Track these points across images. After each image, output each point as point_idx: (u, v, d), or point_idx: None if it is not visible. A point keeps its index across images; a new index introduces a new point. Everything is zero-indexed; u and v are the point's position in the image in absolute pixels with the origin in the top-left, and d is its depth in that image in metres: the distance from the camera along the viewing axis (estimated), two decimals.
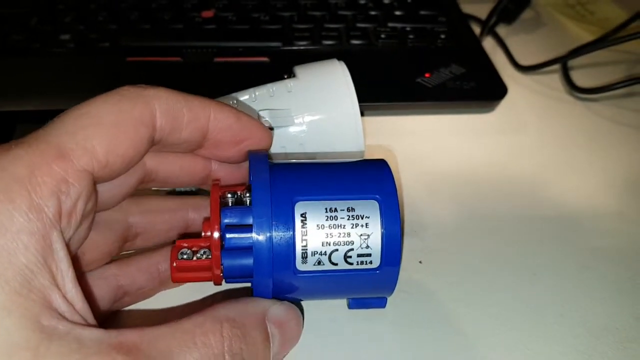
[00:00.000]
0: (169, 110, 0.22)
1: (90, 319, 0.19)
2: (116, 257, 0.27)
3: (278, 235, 0.23)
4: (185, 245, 0.24)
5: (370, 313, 0.30)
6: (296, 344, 0.25)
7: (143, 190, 0.27)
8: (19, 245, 0.17)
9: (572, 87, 0.48)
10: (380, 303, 0.28)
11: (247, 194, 0.25)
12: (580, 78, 0.49)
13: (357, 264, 0.24)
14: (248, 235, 0.23)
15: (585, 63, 0.50)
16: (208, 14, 0.50)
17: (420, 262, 0.33)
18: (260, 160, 0.25)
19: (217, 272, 0.24)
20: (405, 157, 0.40)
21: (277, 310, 0.23)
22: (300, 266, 0.24)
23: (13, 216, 0.17)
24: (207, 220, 0.25)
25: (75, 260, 0.22)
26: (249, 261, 0.23)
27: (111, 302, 0.26)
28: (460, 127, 0.44)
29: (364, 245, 0.24)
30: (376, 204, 0.24)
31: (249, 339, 0.21)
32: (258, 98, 0.31)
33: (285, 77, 0.33)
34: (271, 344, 0.22)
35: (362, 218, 0.24)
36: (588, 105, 0.47)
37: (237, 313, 0.22)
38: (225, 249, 0.23)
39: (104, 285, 0.26)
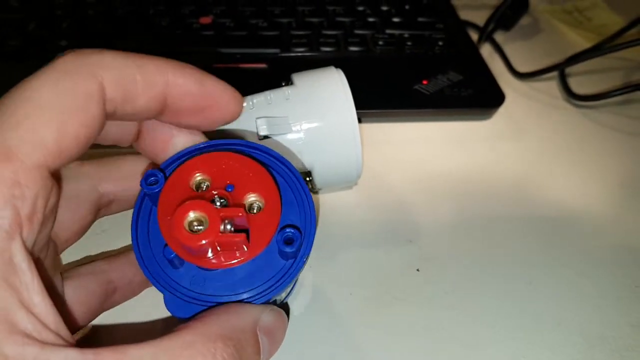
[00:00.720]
0: (118, 79, 0.20)
1: (64, 331, 0.18)
2: (106, 254, 0.27)
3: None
4: (232, 214, 0.21)
5: (367, 319, 0.30)
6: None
7: (113, 154, 0.26)
8: None
9: (570, 94, 0.48)
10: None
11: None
12: (578, 85, 0.49)
13: None
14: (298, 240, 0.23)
15: (582, 70, 0.50)
16: (206, 20, 0.50)
17: (417, 269, 0.33)
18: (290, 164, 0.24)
19: (258, 252, 0.22)
20: (402, 164, 0.40)
21: (267, 318, 0.22)
22: None
23: None
24: (229, 193, 0.22)
25: (40, 263, 0.21)
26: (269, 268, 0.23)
27: (102, 298, 0.25)
28: (458, 134, 0.44)
29: None
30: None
31: (242, 355, 0.20)
32: (256, 105, 0.31)
33: (283, 84, 0.33)
34: (261, 355, 0.22)
35: None
36: (585, 113, 0.47)
37: (230, 328, 0.20)
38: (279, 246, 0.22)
39: (93, 280, 0.25)
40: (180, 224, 0.20)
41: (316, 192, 0.37)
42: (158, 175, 0.22)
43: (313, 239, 0.23)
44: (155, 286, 0.22)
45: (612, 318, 0.31)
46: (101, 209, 0.26)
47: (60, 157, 0.18)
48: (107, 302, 0.26)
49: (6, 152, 0.17)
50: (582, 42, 0.56)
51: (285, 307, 0.30)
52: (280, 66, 0.46)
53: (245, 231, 0.22)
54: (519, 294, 0.32)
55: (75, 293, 0.24)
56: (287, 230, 0.22)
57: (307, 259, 0.23)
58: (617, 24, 0.58)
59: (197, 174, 0.22)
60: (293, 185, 0.24)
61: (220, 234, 0.20)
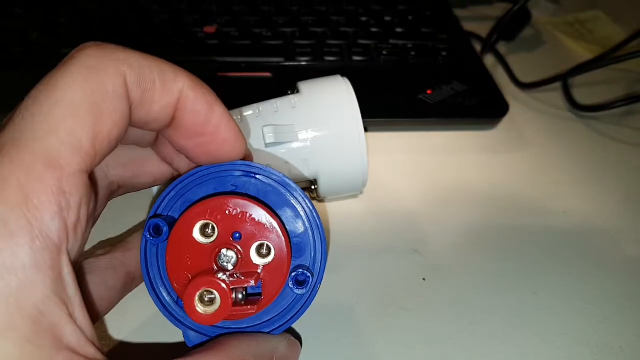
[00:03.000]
0: (140, 80, 0.19)
1: (97, 342, 0.18)
2: (116, 243, 0.26)
3: None
4: (242, 284, 0.22)
5: (374, 329, 0.30)
6: None
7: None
8: (26, 286, 0.15)
9: (573, 105, 0.48)
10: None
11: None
12: (580, 96, 0.49)
13: None
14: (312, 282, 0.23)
15: (585, 81, 0.51)
16: (210, 29, 0.51)
17: (423, 279, 0.33)
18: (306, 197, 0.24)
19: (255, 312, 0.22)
20: (407, 173, 0.40)
21: (283, 348, 0.23)
22: None
23: (15, 252, 0.15)
24: (233, 244, 0.22)
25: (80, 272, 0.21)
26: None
27: (121, 292, 0.25)
28: (463, 144, 0.44)
29: None
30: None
31: None
32: (262, 113, 0.31)
33: (289, 93, 0.33)
34: None
35: None
36: (589, 123, 0.47)
37: (252, 354, 0.21)
38: (296, 285, 0.23)
39: (113, 275, 0.25)
40: (192, 304, 0.20)
41: (321, 201, 0.37)
42: (162, 225, 0.22)
43: (324, 268, 0.23)
44: (176, 325, 0.23)
45: (619, 328, 0.31)
46: (111, 194, 0.25)
47: (95, 159, 0.18)
48: (125, 292, 0.26)
49: (49, 159, 0.16)
50: (584, 54, 0.56)
51: (298, 337, 0.30)
52: (285, 75, 0.46)
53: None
54: (525, 304, 0.32)
55: (97, 290, 0.24)
56: (299, 272, 0.23)
57: (319, 287, 0.23)
58: (619, 36, 0.58)
59: (202, 221, 0.22)
60: (304, 213, 0.24)
61: (233, 308, 0.21)
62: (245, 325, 0.23)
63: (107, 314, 0.25)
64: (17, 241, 0.15)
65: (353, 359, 0.28)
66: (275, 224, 0.22)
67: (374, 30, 0.52)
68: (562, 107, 0.49)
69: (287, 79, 0.45)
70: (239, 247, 0.22)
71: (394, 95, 0.45)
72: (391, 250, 0.34)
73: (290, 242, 0.22)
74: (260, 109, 0.31)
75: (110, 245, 0.26)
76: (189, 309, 0.20)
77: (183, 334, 0.23)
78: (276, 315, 0.23)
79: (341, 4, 0.56)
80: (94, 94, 0.17)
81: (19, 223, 0.15)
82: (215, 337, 0.23)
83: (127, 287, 0.26)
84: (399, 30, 0.53)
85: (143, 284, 0.27)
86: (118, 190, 0.25)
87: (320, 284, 0.23)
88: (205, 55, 0.48)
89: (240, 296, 0.21)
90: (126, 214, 0.34)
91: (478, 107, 0.44)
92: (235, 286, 0.21)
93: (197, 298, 0.20)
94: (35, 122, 0.17)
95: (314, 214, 0.23)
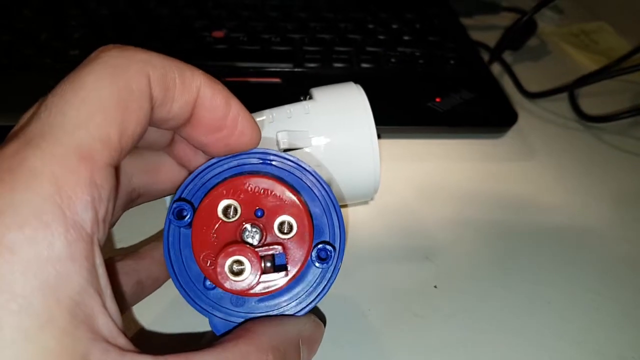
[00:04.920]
0: (162, 79, 0.19)
1: (125, 331, 0.18)
2: (131, 250, 0.27)
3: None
4: (265, 252, 0.22)
5: (387, 336, 0.29)
6: None
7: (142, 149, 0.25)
8: (63, 277, 0.15)
9: (580, 115, 0.49)
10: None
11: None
12: (587, 106, 0.49)
13: None
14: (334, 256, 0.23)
15: (591, 91, 0.51)
16: (219, 34, 0.51)
17: (435, 286, 0.33)
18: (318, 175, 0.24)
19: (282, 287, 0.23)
20: (417, 180, 0.40)
21: (309, 330, 0.23)
22: None
23: (51, 243, 0.15)
24: (257, 220, 0.23)
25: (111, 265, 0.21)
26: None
27: (132, 299, 0.25)
28: (471, 152, 0.44)
29: None
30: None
31: None
32: (276, 119, 0.31)
33: (302, 98, 0.33)
34: None
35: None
36: (595, 133, 0.47)
37: (280, 340, 0.21)
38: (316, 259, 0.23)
39: (125, 281, 0.25)
40: (223, 274, 0.21)
41: None
42: (186, 208, 0.23)
43: (344, 245, 0.24)
44: (201, 312, 0.23)
45: (632, 338, 0.31)
46: (131, 202, 0.26)
47: (121, 155, 0.18)
48: (135, 300, 0.26)
49: (81, 152, 0.16)
50: (588, 64, 0.57)
51: (322, 318, 0.30)
52: (294, 81, 0.46)
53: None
54: (537, 313, 0.32)
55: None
56: (320, 246, 0.23)
57: (341, 264, 0.24)
58: (623, 47, 0.58)
59: (224, 201, 0.23)
60: (319, 194, 0.24)
61: (262, 274, 0.21)
62: (270, 310, 0.23)
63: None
64: (53, 232, 0.15)
65: None
66: (295, 199, 0.23)
67: (381, 37, 0.53)
68: (569, 117, 0.49)
69: (296, 85, 0.45)
70: (262, 225, 0.23)
71: (403, 103, 0.45)
72: (402, 257, 0.34)
73: (311, 216, 0.23)
74: (274, 114, 0.31)
75: (123, 254, 0.26)
76: (221, 279, 0.21)
77: (209, 322, 0.23)
78: (300, 296, 0.23)
79: (348, 12, 0.56)
80: (120, 91, 0.18)
81: (53, 214, 0.15)
82: (241, 324, 0.23)
83: (136, 295, 0.26)
84: (406, 38, 0.53)
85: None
86: (137, 199, 0.26)
87: (341, 261, 0.23)
88: (214, 59, 0.48)
89: (268, 264, 0.22)
90: (143, 224, 0.34)
91: (487, 115, 0.44)
92: (263, 253, 0.22)
93: (226, 268, 0.21)
94: (65, 117, 0.17)
95: (330, 195, 0.24)
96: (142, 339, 0.29)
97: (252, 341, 0.20)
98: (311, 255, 0.23)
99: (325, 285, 0.23)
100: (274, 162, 0.24)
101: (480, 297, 0.32)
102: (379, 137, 0.31)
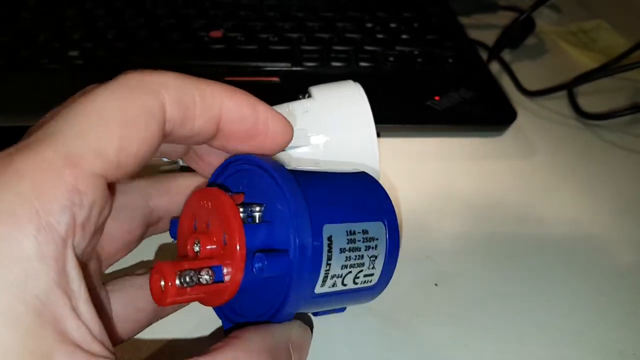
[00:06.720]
0: (179, 100, 0.20)
1: (107, 342, 0.18)
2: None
3: (313, 262, 0.22)
4: (187, 267, 0.21)
5: (388, 334, 0.29)
6: None
7: (162, 172, 0.26)
8: (29, 276, 0.15)
9: (579, 113, 0.49)
10: (341, 309, 0.27)
11: (257, 209, 0.22)
12: (586, 103, 0.49)
13: (361, 283, 0.24)
14: (285, 261, 0.21)
15: (590, 89, 0.51)
16: (217, 34, 0.51)
17: (435, 284, 0.33)
18: (286, 176, 0.22)
19: (229, 298, 0.21)
20: (416, 179, 0.40)
21: (297, 334, 0.23)
22: (318, 290, 0.23)
23: (20, 242, 0.15)
24: (206, 233, 0.22)
25: (86, 272, 0.20)
26: (274, 289, 0.22)
27: (150, 315, 0.25)
28: (471, 150, 0.44)
29: (371, 266, 0.24)
30: (383, 226, 0.24)
31: None
32: None
33: (301, 97, 0.33)
34: None
35: (373, 240, 0.24)
36: (595, 131, 0.47)
37: (268, 345, 0.21)
38: (258, 275, 0.21)
39: (145, 296, 0.24)
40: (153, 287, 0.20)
41: None
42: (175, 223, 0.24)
43: (301, 252, 0.21)
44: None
45: (632, 335, 0.31)
46: (150, 225, 0.26)
47: (118, 171, 0.18)
48: (154, 318, 0.25)
49: (69, 158, 0.17)
50: (587, 62, 0.57)
51: (309, 323, 0.29)
52: (292, 80, 0.46)
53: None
54: (538, 311, 0.32)
55: (124, 310, 0.23)
56: (256, 255, 0.21)
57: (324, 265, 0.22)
58: (622, 45, 0.58)
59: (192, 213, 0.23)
60: (281, 190, 0.22)
61: (183, 289, 0.20)
62: (249, 315, 0.23)
63: (132, 336, 0.24)
64: (23, 231, 0.15)
65: None
66: (229, 212, 0.21)
67: (379, 36, 0.53)
68: (568, 115, 0.49)
69: (295, 84, 0.45)
70: (208, 236, 0.22)
71: (402, 101, 0.45)
72: (402, 255, 0.34)
73: (243, 229, 0.21)
74: None
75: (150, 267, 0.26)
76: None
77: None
78: (273, 305, 0.22)
79: (346, 10, 0.56)
80: (127, 110, 0.18)
81: (26, 213, 0.16)
82: (231, 331, 0.22)
83: (157, 312, 0.25)
84: (404, 37, 0.53)
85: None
86: (159, 222, 0.26)
87: (306, 259, 0.21)
88: (212, 59, 0.48)
89: (187, 279, 0.20)
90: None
91: (486, 113, 0.44)
92: (187, 268, 0.20)
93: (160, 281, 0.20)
94: (65, 126, 0.17)
95: (293, 193, 0.22)
96: (134, 346, 0.28)
97: (239, 347, 0.20)
98: (252, 264, 0.21)
99: (287, 293, 0.21)
100: (245, 165, 0.24)
101: (481, 296, 0.32)
102: (378, 135, 0.31)
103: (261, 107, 0.22)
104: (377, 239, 0.24)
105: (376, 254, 0.24)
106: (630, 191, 0.42)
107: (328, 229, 0.22)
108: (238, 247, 0.21)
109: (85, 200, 0.17)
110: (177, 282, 0.20)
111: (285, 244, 0.21)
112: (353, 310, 0.30)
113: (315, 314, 0.28)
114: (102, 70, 0.45)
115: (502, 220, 0.38)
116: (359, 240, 0.23)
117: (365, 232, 0.24)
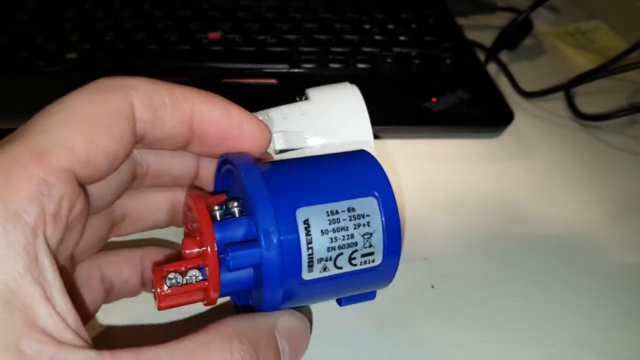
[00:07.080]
0: (148, 101, 0.21)
1: (83, 332, 0.18)
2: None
3: (286, 248, 0.22)
4: (173, 269, 0.22)
5: (385, 336, 0.29)
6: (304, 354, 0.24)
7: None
8: None
9: (576, 114, 0.49)
10: (371, 295, 0.27)
11: (236, 205, 0.23)
12: (583, 104, 0.49)
13: (361, 264, 0.24)
14: (255, 251, 0.21)
15: (587, 90, 0.51)
16: (215, 35, 0.51)
17: (432, 286, 0.33)
18: (250, 166, 0.23)
19: (215, 295, 0.22)
20: (413, 181, 0.40)
21: (286, 322, 0.22)
22: (306, 275, 0.22)
23: None
24: (189, 237, 0.23)
25: (63, 268, 0.21)
26: (252, 279, 0.23)
27: (103, 294, 0.25)
28: (468, 152, 0.44)
29: (367, 244, 0.23)
30: (375, 200, 0.24)
31: (260, 355, 0.20)
32: (271, 120, 0.31)
33: (298, 99, 0.33)
34: (282, 359, 0.22)
35: (363, 217, 0.23)
36: (592, 132, 0.47)
37: (246, 329, 0.20)
38: (231, 269, 0.21)
39: (94, 277, 0.25)
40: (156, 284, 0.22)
41: None
42: None
43: (269, 224, 0.21)
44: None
45: (630, 335, 0.31)
46: (115, 224, 0.26)
47: (88, 167, 0.19)
48: (106, 299, 0.26)
49: (37, 153, 0.17)
50: (585, 63, 0.57)
51: (307, 314, 0.29)
52: (290, 82, 0.46)
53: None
54: (535, 312, 0.32)
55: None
56: (227, 249, 0.21)
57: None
58: (619, 46, 0.58)
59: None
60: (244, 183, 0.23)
61: (172, 294, 0.22)
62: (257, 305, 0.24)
63: (90, 319, 0.25)
64: None
65: None
66: (200, 214, 0.22)
67: (377, 38, 0.53)
68: (565, 116, 0.49)
69: (292, 86, 0.45)
70: (193, 238, 0.23)
71: (399, 103, 0.45)
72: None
73: (212, 227, 0.22)
74: (270, 115, 0.31)
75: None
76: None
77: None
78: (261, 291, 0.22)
79: (344, 12, 0.56)
80: (96, 109, 0.19)
81: None
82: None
83: (106, 293, 0.26)
84: (402, 38, 0.53)
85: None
86: (123, 221, 0.26)
87: (272, 245, 0.21)
88: (210, 61, 0.48)
89: (173, 280, 0.22)
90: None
91: (483, 115, 0.44)
92: (172, 270, 0.22)
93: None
94: (35, 125, 0.18)
95: (252, 182, 0.22)
96: (111, 334, 0.28)
97: (213, 330, 0.20)
98: (226, 261, 0.21)
99: (262, 280, 0.22)
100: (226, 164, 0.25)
101: (478, 297, 0.32)
102: (375, 137, 0.31)
103: (234, 110, 0.23)
104: (367, 215, 0.23)
105: (370, 231, 0.23)
106: (627, 192, 0.42)
107: (303, 212, 0.22)
108: (209, 248, 0.21)
109: (54, 192, 0.17)
110: (165, 287, 0.21)
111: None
112: (351, 310, 0.30)
113: (339, 304, 0.27)
114: (99, 72, 0.45)
115: (499, 222, 0.38)
116: (344, 219, 0.23)
117: (351, 209, 0.23)
